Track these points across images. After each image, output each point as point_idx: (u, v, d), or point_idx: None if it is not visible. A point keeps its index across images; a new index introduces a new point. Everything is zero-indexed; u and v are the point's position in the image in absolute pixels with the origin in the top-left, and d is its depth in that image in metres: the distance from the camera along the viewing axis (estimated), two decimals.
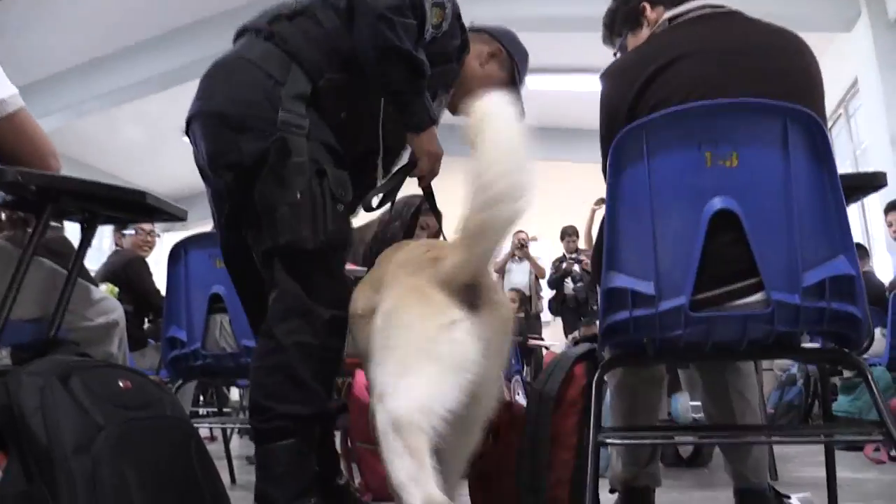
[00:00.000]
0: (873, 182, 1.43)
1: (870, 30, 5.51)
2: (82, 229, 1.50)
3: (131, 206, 1.48)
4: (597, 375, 1.43)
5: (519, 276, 7.00)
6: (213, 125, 1.50)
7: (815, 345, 1.49)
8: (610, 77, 1.59)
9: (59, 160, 1.44)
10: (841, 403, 3.94)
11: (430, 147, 1.60)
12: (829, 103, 6.97)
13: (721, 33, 1.49)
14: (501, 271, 6.91)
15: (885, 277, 5.02)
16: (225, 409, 5.26)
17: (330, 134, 1.53)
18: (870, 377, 1.32)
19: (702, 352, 1.40)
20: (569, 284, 6.56)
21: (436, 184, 1.73)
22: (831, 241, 1.31)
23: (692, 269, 1.30)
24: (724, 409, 1.72)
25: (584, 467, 1.39)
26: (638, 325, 1.36)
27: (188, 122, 1.57)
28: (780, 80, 1.38)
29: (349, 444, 2.48)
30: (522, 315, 6.26)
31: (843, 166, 7.19)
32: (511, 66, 1.91)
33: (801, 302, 1.28)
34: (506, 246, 6.87)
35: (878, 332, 4.05)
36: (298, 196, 1.43)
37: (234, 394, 6.18)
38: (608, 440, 1.37)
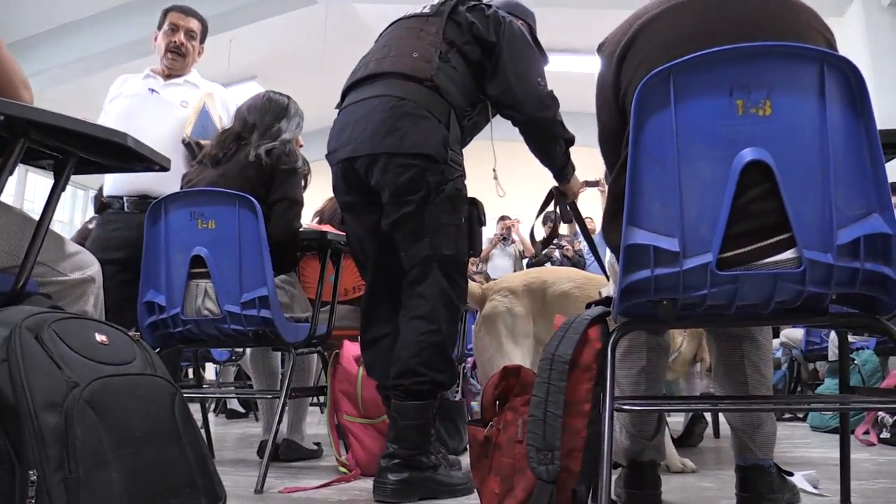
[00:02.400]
0: None
1: (862, 14, 5.47)
2: (55, 171, 1.37)
3: (110, 149, 1.36)
4: (612, 338, 1.34)
5: (502, 260, 6.93)
6: (407, 162, 1.85)
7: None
8: (601, 49, 1.54)
9: (31, 93, 1.31)
10: (827, 386, 3.92)
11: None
12: None
13: None
14: (486, 258, 6.83)
15: None
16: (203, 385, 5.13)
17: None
18: None
19: (726, 314, 1.31)
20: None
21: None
22: (867, 197, 1.22)
23: (721, 225, 1.21)
24: (738, 381, 1.65)
25: (598, 436, 1.30)
26: (659, 285, 1.27)
27: (363, 156, 1.90)
28: (773, 33, 1.30)
29: (336, 419, 2.38)
30: None
31: None
32: (529, 27, 2.20)
33: (835, 261, 1.20)
34: (491, 232, 6.81)
35: None
36: (462, 220, 1.92)
37: (210, 372, 6.03)
38: (624, 407, 1.28)
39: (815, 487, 1.83)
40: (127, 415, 1.14)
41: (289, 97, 2.60)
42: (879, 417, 3.04)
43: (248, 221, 2.18)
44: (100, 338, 1.21)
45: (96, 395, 1.10)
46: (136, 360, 1.24)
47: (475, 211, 1.99)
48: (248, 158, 2.36)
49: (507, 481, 1.37)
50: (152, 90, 2.87)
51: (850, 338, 3.73)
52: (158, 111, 2.81)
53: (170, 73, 2.93)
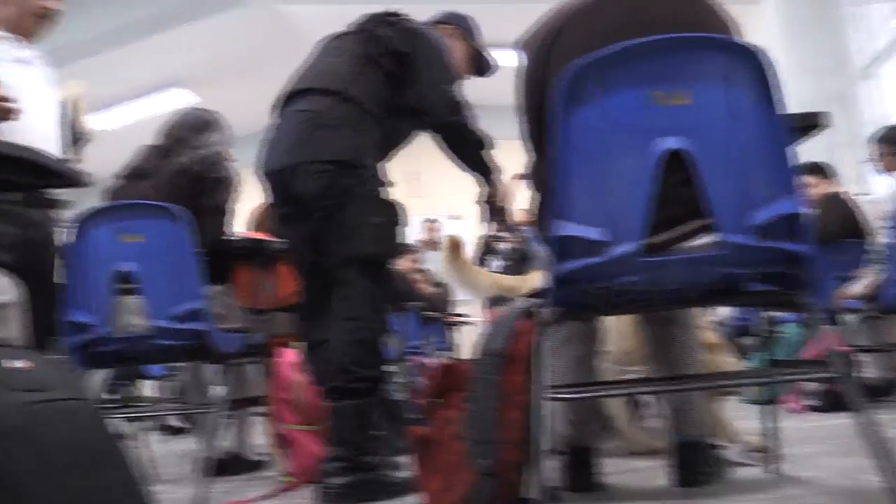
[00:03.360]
0: (814, 121, 1.41)
1: (776, 1, 5.68)
2: None
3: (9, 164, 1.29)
4: (542, 329, 1.36)
5: (434, 262, 6.90)
6: (322, 170, 1.93)
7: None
8: (523, 44, 1.57)
9: None
10: (754, 359, 4.08)
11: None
12: None
13: None
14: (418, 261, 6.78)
15: None
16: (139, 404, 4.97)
17: (385, 169, 2.06)
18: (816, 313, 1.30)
19: (655, 299, 1.35)
20: (494, 263, 6.51)
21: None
22: (778, 179, 1.27)
23: (642, 213, 1.24)
24: (670, 362, 1.69)
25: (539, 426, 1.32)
26: (590, 274, 1.30)
27: (281, 169, 2.00)
28: (689, 26, 1.35)
29: (278, 428, 2.35)
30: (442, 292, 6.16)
31: None
32: (463, 33, 2.34)
33: (753, 242, 1.25)
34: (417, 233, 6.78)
35: None
36: (381, 220, 1.96)
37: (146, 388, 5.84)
38: (555, 395, 1.30)
39: (748, 458, 1.90)
40: (51, 441, 1.09)
41: (214, 112, 2.60)
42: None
43: (178, 233, 2.12)
44: (20, 364, 1.15)
45: (16, 425, 1.05)
46: (59, 385, 1.19)
47: (394, 212, 2.02)
48: (176, 168, 2.32)
49: (449, 478, 1.37)
50: (21, 60, 2.14)
51: (777, 312, 3.90)
52: (36, 92, 2.15)
53: (26, 40, 2.19)
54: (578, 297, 1.36)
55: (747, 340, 4.86)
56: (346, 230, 1.93)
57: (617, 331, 2.36)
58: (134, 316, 2.18)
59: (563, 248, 1.29)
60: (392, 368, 4.10)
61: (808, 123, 1.43)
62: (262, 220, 3.01)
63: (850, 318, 3.44)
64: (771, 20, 5.82)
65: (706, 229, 1.25)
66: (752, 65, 1.27)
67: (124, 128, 7.05)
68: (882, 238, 3.17)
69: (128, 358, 2.27)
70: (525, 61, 1.53)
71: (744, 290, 1.36)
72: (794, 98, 5.03)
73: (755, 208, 1.25)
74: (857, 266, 3.44)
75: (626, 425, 2.29)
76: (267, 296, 2.45)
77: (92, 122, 2.52)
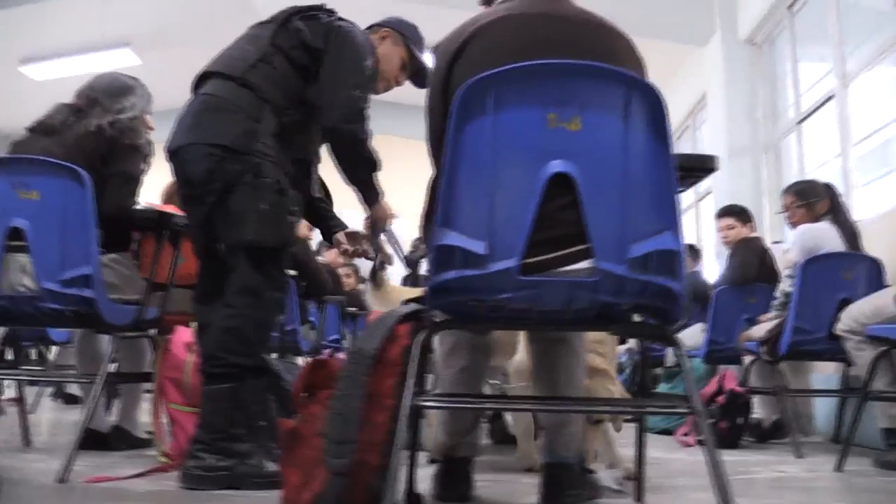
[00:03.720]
0: (705, 164, 1.45)
1: (721, 46, 5.86)
2: None
3: None
4: (420, 337, 1.35)
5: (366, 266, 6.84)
6: (210, 153, 1.90)
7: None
8: (436, 50, 1.59)
9: None
10: (661, 389, 4.19)
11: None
12: (680, 113, 7.42)
13: (537, 5, 1.50)
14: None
15: (711, 280, 5.38)
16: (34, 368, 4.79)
17: (289, 162, 1.99)
18: (684, 353, 1.34)
19: (529, 318, 1.37)
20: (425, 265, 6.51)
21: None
22: (660, 215, 1.31)
23: (524, 231, 1.26)
24: (550, 382, 1.72)
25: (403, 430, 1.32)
26: (467, 286, 1.30)
27: (176, 149, 1.98)
28: (591, 54, 1.38)
29: (162, 407, 2.29)
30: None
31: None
32: (402, 38, 2.29)
33: (627, 273, 1.27)
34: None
35: (699, 326, 4.33)
36: (266, 207, 1.90)
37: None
38: (423, 404, 1.30)
39: (619, 485, 1.94)
40: None
41: (136, 79, 2.54)
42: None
43: (76, 194, 2.05)
44: None
45: None
46: None
47: (283, 200, 1.95)
48: (87, 129, 2.27)
49: (307, 474, 1.36)
50: None
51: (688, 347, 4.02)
52: None
53: None
54: (455, 308, 1.37)
55: (660, 370, 5.01)
56: (232, 216, 1.90)
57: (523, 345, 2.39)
58: (22, 275, 2.10)
59: (444, 257, 1.30)
60: (299, 359, 4.10)
61: (702, 166, 1.48)
62: (172, 195, 2.94)
63: (747, 359, 3.56)
64: (714, 65, 6.00)
65: (584, 255, 1.28)
66: (649, 102, 1.30)
67: (60, 81, 6.79)
68: (784, 286, 3.29)
69: (10, 318, 2.18)
70: (434, 68, 1.54)
71: (616, 318, 1.38)
72: (728, 143, 5.25)
73: (635, 240, 1.28)
74: (766, 310, 3.57)
75: (524, 441, 2.32)
76: (168, 271, 2.39)
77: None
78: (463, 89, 1.29)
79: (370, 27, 2.27)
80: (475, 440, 1.80)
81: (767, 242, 4.33)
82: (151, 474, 2.01)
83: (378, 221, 2.19)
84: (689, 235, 7.34)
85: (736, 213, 4.20)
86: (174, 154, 2.00)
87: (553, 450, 1.68)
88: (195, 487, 1.80)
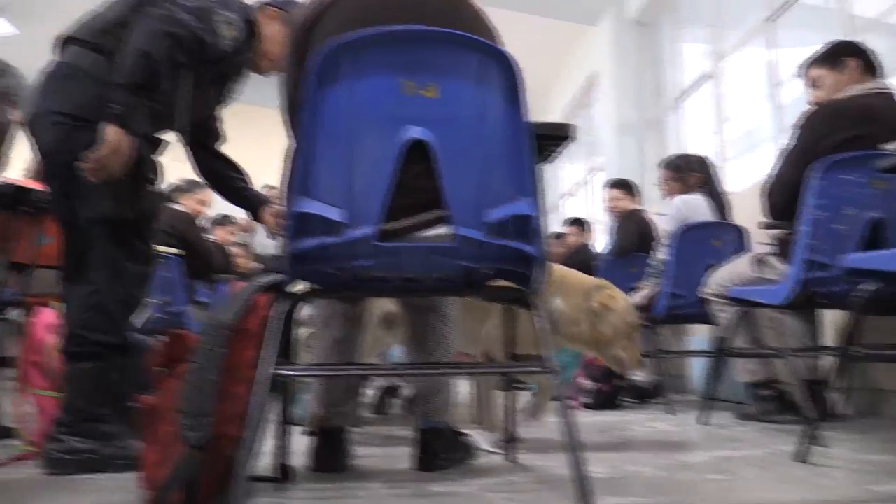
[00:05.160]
0: (561, 132, 1.49)
1: (611, 25, 6.03)
2: None
3: None
4: (280, 307, 1.34)
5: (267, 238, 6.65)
6: (56, 121, 1.80)
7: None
8: (292, 18, 1.58)
9: None
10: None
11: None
12: (574, 91, 7.61)
13: None
14: (247, 228, 6.52)
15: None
16: None
17: (148, 125, 1.84)
18: (542, 316, 1.38)
19: (392, 285, 1.38)
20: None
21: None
22: (517, 181, 1.34)
23: (381, 198, 1.26)
24: (422, 349, 1.74)
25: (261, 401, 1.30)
26: (326, 254, 1.30)
27: (28, 120, 1.87)
28: (449, 21, 1.39)
29: (25, 393, 2.16)
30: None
31: (579, 153, 7.89)
32: (288, 16, 2.12)
33: (485, 238, 1.30)
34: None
35: None
36: (122, 179, 1.77)
37: None
38: (281, 373, 1.29)
39: (495, 446, 2.00)
40: None
41: (7, 63, 2.42)
42: (580, 385, 3.42)
43: None
44: None
45: None
46: None
47: (140, 171, 1.87)
48: None
49: (166, 451, 1.32)
50: None
51: None
52: None
53: None
54: (316, 277, 1.36)
55: None
56: (86, 189, 1.79)
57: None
58: None
59: (302, 224, 1.28)
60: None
61: (559, 133, 1.52)
62: (39, 171, 2.78)
63: None
64: (603, 45, 6.18)
65: (442, 220, 1.30)
66: (505, 70, 1.33)
67: None
68: (660, 254, 3.45)
69: None
70: (290, 37, 1.51)
71: (478, 284, 1.41)
72: (618, 120, 5.45)
73: (491, 206, 1.31)
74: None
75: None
76: (31, 250, 2.26)
77: None
78: (319, 56, 1.27)
79: (260, 6, 2.18)
80: (350, 410, 1.80)
81: (652, 214, 4.54)
82: (12, 463, 1.91)
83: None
84: (580, 210, 7.57)
85: (621, 185, 4.37)
86: (28, 126, 1.88)
87: (425, 416, 1.71)
88: (57, 472, 1.72)
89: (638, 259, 4.02)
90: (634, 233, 4.08)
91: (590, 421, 2.95)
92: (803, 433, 1.79)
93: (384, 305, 2.28)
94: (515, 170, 1.34)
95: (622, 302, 2.16)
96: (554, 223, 7.14)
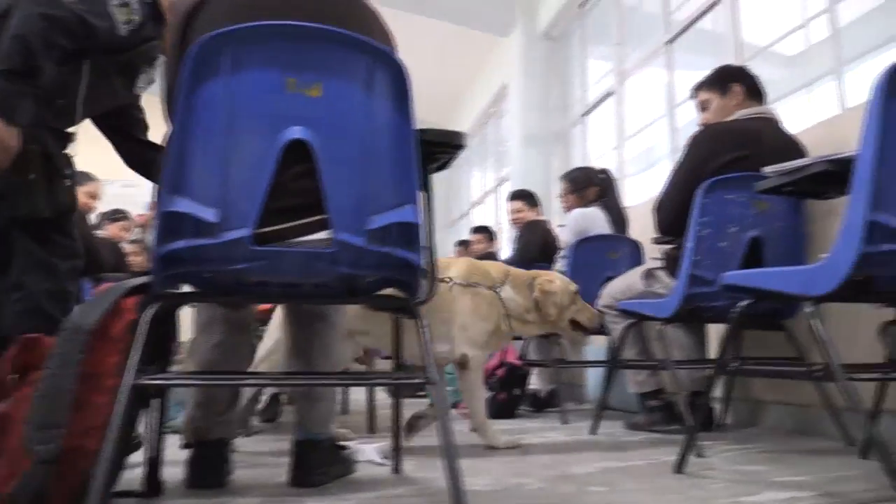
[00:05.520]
0: (453, 140, 1.48)
1: (521, 38, 6.14)
2: None
3: None
4: (149, 311, 1.26)
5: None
6: None
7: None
8: (172, 7, 1.54)
9: None
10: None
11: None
12: (484, 101, 7.70)
13: None
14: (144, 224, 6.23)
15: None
16: None
17: (35, 116, 1.71)
18: (424, 327, 1.36)
19: (270, 290, 1.32)
20: None
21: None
22: (401, 188, 1.31)
23: (258, 199, 1.20)
24: (305, 357, 1.69)
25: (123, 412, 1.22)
26: (199, 256, 1.23)
27: None
28: (338, 19, 1.34)
29: None
30: None
31: (487, 163, 7.99)
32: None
33: (366, 245, 1.27)
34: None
35: None
36: (35, 175, 1.76)
37: None
38: (146, 382, 1.21)
39: (383, 457, 1.96)
40: None
41: None
42: None
43: None
44: None
45: None
46: None
47: (53, 164, 1.81)
48: None
49: (15, 464, 1.22)
50: None
51: None
52: None
53: None
54: (189, 280, 1.29)
55: None
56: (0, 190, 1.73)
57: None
58: None
59: (173, 224, 1.21)
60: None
61: (451, 142, 1.50)
62: None
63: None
64: (514, 56, 6.28)
65: (322, 225, 1.25)
66: (393, 74, 1.30)
67: None
68: (559, 266, 3.52)
69: None
70: (171, 25, 1.43)
71: (358, 291, 1.38)
72: (524, 131, 5.52)
73: (374, 212, 1.28)
74: None
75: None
76: None
77: None
78: (196, 46, 1.20)
79: None
80: (231, 419, 1.72)
81: (554, 225, 4.63)
82: None
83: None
84: (488, 219, 7.66)
85: (524, 196, 4.44)
86: None
87: (303, 426, 1.65)
88: None
89: (540, 269, 4.08)
90: (536, 243, 4.15)
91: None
92: (683, 444, 1.84)
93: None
94: (400, 176, 1.31)
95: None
96: (463, 231, 7.19)
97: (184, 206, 1.21)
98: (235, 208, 1.21)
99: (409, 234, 1.31)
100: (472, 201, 8.72)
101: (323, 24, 1.29)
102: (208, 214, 1.20)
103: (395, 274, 1.34)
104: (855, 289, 1.48)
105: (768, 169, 1.79)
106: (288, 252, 1.24)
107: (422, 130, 1.38)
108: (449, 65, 7.93)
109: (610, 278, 3.12)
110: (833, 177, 1.55)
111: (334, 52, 1.26)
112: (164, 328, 1.54)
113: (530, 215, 4.36)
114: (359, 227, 1.26)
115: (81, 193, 4.37)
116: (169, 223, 1.21)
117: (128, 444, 1.44)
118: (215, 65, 1.21)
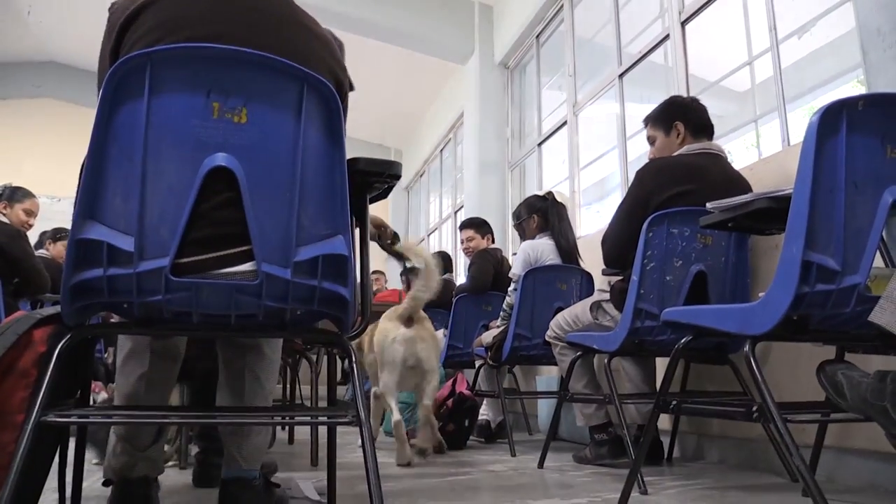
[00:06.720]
0: (389, 169, 1.44)
1: (478, 66, 6.18)
2: None
3: None
4: (60, 343, 1.19)
5: None
6: None
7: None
8: (112, 9, 1.40)
9: None
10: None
11: None
12: (443, 128, 7.72)
13: None
14: None
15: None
16: None
17: None
18: (354, 356, 1.31)
19: (192, 323, 1.26)
20: None
21: None
22: (331, 219, 1.27)
23: (178, 229, 1.15)
24: (237, 391, 1.62)
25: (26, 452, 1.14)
26: (114, 286, 1.16)
27: None
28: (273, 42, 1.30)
29: None
30: None
31: (448, 187, 7.98)
32: None
33: (292, 277, 1.22)
34: None
35: (442, 332, 4.49)
36: None
37: None
38: (53, 420, 1.13)
39: (320, 493, 1.89)
40: None
41: None
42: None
43: None
44: None
45: None
46: None
47: None
48: None
49: None
50: None
51: None
52: None
53: None
54: (103, 310, 1.22)
55: None
56: None
57: None
58: None
59: (87, 252, 1.15)
60: None
61: (387, 171, 1.46)
62: None
63: (477, 363, 3.73)
64: (471, 84, 6.31)
65: (246, 256, 1.20)
66: (324, 101, 1.26)
67: None
68: (510, 298, 3.49)
69: None
70: (104, 35, 1.36)
71: (284, 324, 1.32)
72: (480, 158, 5.51)
73: (302, 243, 1.23)
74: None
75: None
76: None
77: None
78: (115, 66, 1.15)
79: None
80: (157, 455, 1.64)
81: (509, 253, 4.62)
82: None
83: None
84: (445, 245, 7.63)
85: (475, 225, 4.42)
86: None
87: (233, 462, 1.58)
88: None
89: (494, 297, 4.06)
90: (488, 272, 4.12)
91: (431, 462, 2.90)
92: (626, 481, 1.81)
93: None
94: (330, 206, 1.27)
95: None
96: None
97: (98, 233, 1.14)
98: (154, 237, 1.15)
99: (338, 267, 1.26)
100: (430, 227, 8.70)
101: (256, 38, 1.25)
102: (124, 243, 1.14)
103: (325, 308, 1.29)
104: (792, 328, 1.48)
105: (711, 205, 1.79)
106: (210, 284, 1.18)
107: (354, 159, 1.35)
108: (409, 90, 7.95)
109: (560, 309, 3.11)
110: (775, 213, 1.55)
111: (262, 77, 1.22)
112: (83, 360, 1.46)
113: (482, 243, 4.34)
114: (285, 258, 1.21)
115: (19, 211, 4.23)
116: (82, 251, 1.14)
117: (38, 485, 1.35)
118: (136, 85, 1.15)
